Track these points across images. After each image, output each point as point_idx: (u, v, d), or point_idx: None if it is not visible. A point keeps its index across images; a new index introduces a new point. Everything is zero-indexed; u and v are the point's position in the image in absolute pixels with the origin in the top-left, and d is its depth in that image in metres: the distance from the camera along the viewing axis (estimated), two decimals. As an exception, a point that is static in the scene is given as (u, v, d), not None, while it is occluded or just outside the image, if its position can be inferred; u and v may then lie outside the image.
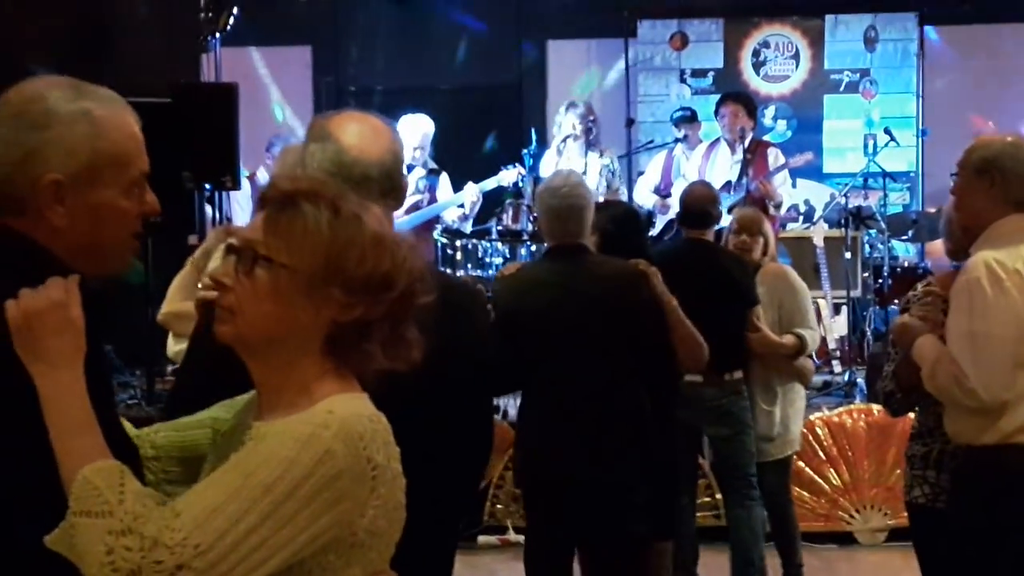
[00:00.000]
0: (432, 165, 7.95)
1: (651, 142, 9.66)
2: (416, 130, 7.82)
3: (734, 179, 8.13)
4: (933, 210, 8.68)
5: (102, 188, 1.84)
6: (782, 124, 10.29)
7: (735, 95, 8.75)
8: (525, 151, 8.39)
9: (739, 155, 8.20)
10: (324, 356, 1.79)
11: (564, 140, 8.16)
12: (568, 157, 8.12)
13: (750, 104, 8.56)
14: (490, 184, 8.11)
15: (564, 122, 8.22)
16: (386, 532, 1.78)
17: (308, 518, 1.66)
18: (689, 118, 9.01)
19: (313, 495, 1.66)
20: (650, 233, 7.93)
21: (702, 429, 5.34)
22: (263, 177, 8.47)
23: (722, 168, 8.26)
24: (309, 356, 1.79)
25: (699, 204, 5.38)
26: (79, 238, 1.84)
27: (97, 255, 1.87)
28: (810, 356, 5.78)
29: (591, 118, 8.19)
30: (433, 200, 7.82)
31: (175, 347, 3.96)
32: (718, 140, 8.48)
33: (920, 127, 10.24)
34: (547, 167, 8.10)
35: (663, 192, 8.60)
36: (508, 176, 8.21)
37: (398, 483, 1.79)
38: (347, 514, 1.70)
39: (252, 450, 1.70)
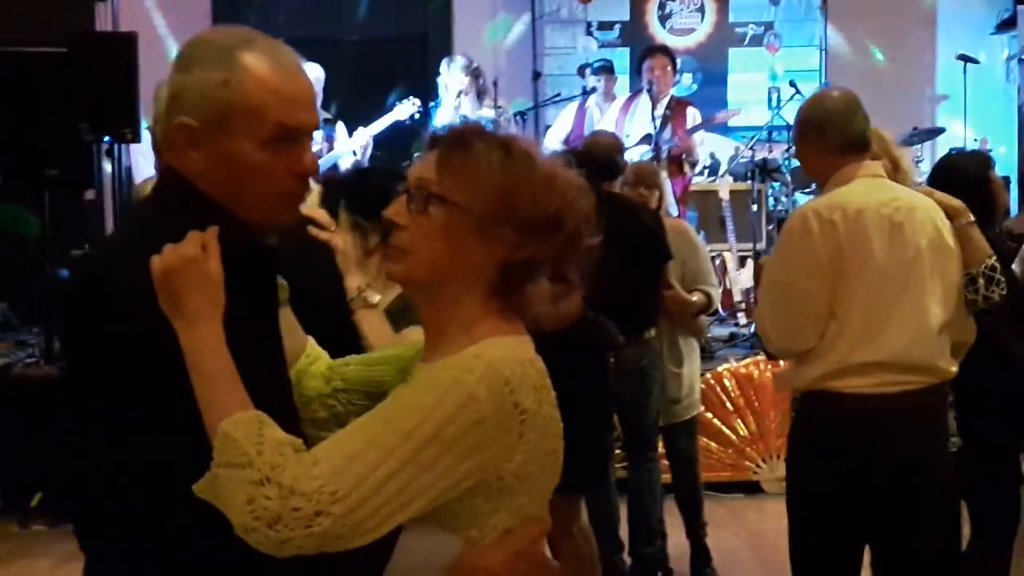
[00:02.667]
0: (326, 115, 7.84)
1: (558, 95, 9.61)
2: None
3: (655, 133, 8.12)
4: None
5: (235, 139, 1.81)
6: (688, 78, 10.30)
7: (662, 49, 8.67)
8: (432, 103, 8.31)
9: (660, 110, 8.20)
10: (489, 296, 1.80)
11: (459, 95, 8.06)
12: (463, 112, 8.02)
13: (675, 59, 8.57)
14: (385, 122, 8.02)
15: (451, 78, 8.09)
16: (538, 478, 1.77)
17: (449, 464, 1.66)
18: (608, 69, 8.97)
19: (455, 441, 1.66)
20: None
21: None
22: (163, 129, 8.26)
23: (641, 121, 8.23)
24: (475, 296, 1.80)
25: (608, 154, 5.11)
26: (218, 186, 1.83)
27: (240, 206, 1.84)
28: (715, 312, 5.79)
29: (474, 68, 8.11)
30: (331, 149, 7.77)
31: None
32: (639, 92, 8.44)
33: (823, 80, 10.33)
34: (441, 123, 8.01)
35: (572, 143, 8.57)
36: (403, 110, 8.12)
37: (551, 428, 1.78)
38: (492, 460, 1.70)
39: (397, 395, 1.72)
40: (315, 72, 7.79)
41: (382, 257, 1.84)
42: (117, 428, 1.76)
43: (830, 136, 3.53)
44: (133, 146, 7.45)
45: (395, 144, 8.16)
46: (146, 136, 7.58)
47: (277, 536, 1.60)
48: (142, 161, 8.01)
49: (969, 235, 3.61)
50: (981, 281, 3.59)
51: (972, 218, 3.64)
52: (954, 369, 3.54)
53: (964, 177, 4.09)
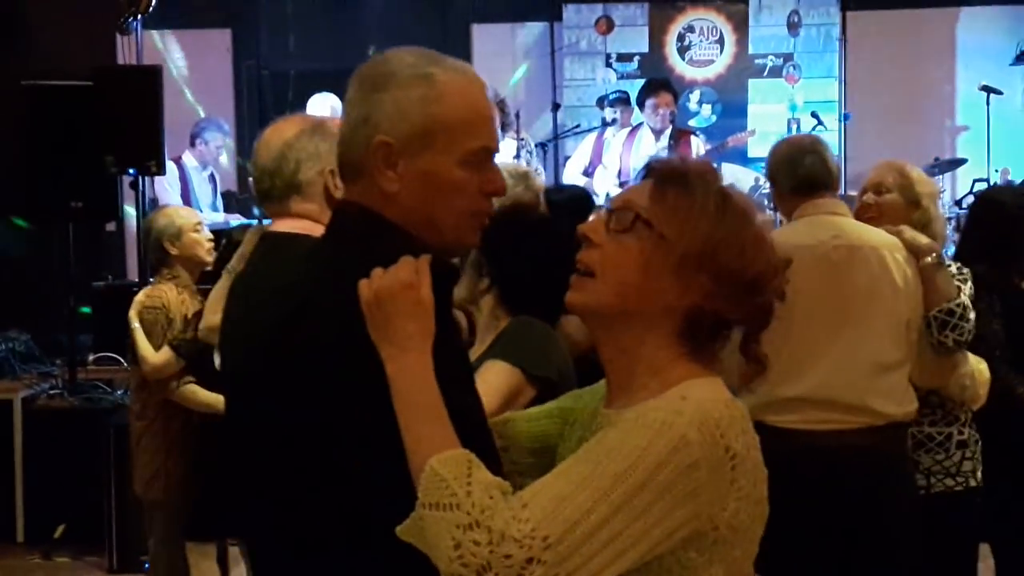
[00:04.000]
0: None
1: (577, 126, 9.64)
2: (326, 111, 7.74)
3: (666, 160, 8.17)
4: (855, 193, 8.74)
5: (435, 155, 1.76)
6: (707, 109, 10.32)
7: (664, 84, 8.78)
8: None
9: (663, 142, 8.23)
10: (679, 340, 1.70)
11: None
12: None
13: (675, 92, 8.66)
14: None
15: None
16: (749, 528, 1.67)
17: (663, 510, 1.55)
18: (625, 100, 9.01)
19: (668, 486, 1.55)
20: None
21: None
22: (189, 161, 8.30)
23: (646, 153, 8.29)
24: (662, 338, 1.70)
25: None
26: (412, 206, 1.77)
27: (432, 227, 1.78)
28: None
29: (500, 100, 8.15)
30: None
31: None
32: (639, 126, 8.52)
33: (842, 111, 10.34)
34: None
35: (590, 173, 8.60)
36: None
37: (759, 474, 1.70)
38: (706, 507, 1.59)
39: (602, 438, 1.61)
40: (332, 102, 7.83)
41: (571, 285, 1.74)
42: (319, 463, 1.71)
43: (780, 181, 3.71)
44: (156, 178, 7.48)
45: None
46: (171, 167, 7.63)
47: None
48: (164, 191, 8.04)
49: (931, 276, 3.51)
50: (934, 325, 3.49)
51: (940, 259, 3.55)
52: (898, 410, 3.44)
53: (998, 212, 4.08)
